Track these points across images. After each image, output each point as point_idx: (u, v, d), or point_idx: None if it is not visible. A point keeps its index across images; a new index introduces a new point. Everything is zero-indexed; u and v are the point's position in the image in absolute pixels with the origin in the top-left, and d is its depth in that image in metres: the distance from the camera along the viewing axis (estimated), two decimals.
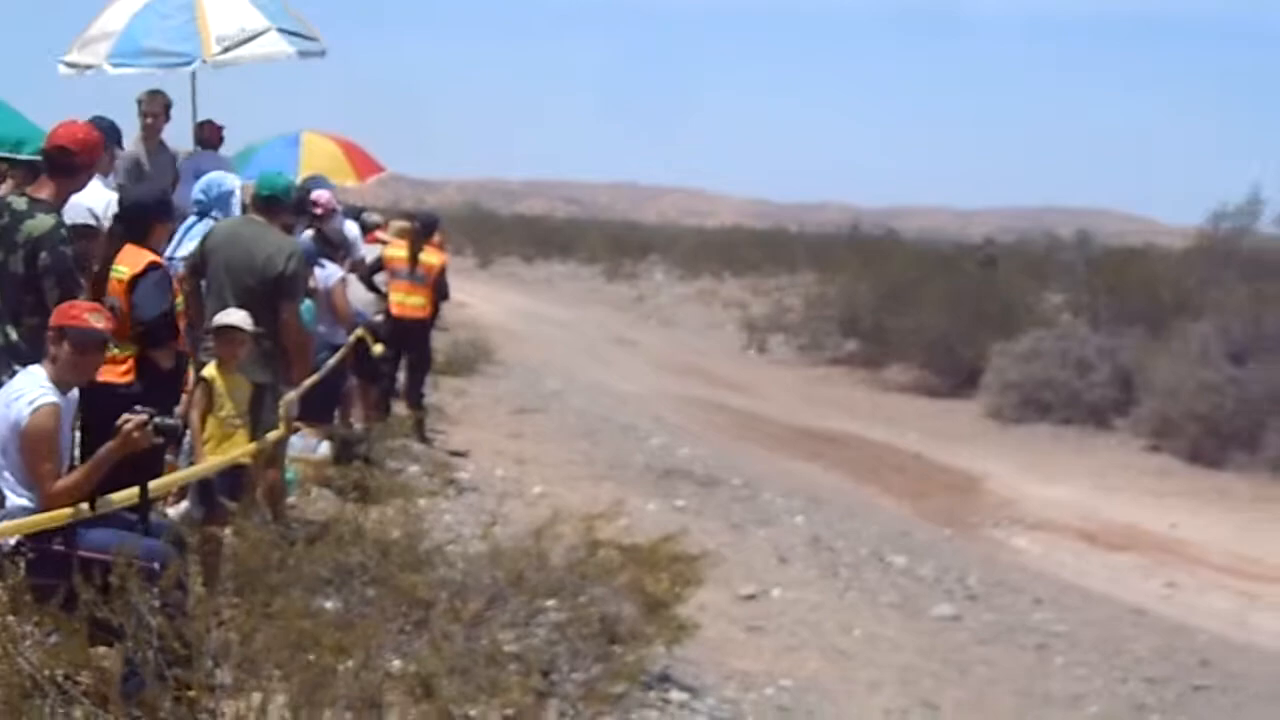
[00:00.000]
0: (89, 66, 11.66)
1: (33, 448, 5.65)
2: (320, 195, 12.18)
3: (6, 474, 5.75)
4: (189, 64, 11.59)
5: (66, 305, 6.17)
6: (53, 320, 5.96)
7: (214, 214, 9.55)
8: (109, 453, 5.77)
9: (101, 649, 5.19)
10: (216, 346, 8.15)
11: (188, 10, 11.65)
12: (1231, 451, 19.81)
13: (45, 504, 5.69)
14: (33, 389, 5.73)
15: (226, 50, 11.51)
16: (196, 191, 10.19)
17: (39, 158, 7.05)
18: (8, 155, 7.36)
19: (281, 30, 11.91)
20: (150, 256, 7.89)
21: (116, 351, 7.70)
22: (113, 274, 7.62)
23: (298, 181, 12.42)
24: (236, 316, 8.16)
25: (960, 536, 14.96)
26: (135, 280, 7.61)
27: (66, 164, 7.07)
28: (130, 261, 7.69)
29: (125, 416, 5.86)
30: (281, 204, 9.17)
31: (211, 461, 7.38)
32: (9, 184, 7.29)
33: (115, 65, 11.52)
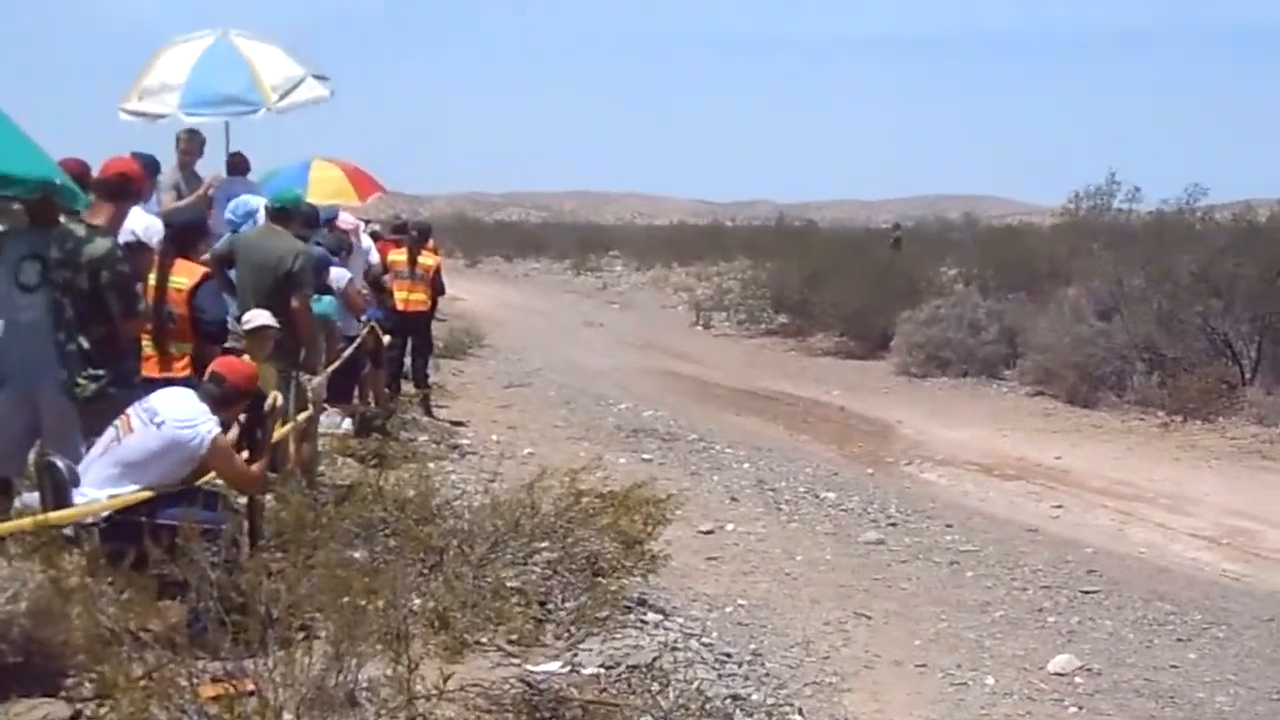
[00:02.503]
0: (160, 115, 11.69)
1: (228, 459, 6.23)
2: (344, 220, 12.89)
3: (121, 469, 5.87)
4: (255, 112, 11.70)
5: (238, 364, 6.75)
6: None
7: (243, 228, 9.88)
8: (270, 432, 6.70)
9: (168, 602, 5.17)
10: (249, 344, 8.19)
11: (241, 64, 11.76)
12: (1103, 393, 19.92)
13: (251, 488, 6.48)
14: (205, 418, 6.11)
15: (282, 98, 11.64)
16: (228, 212, 10.38)
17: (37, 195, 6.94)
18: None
19: (315, 76, 12.04)
20: (203, 269, 8.00)
21: (175, 350, 7.75)
22: (171, 285, 7.69)
23: (311, 200, 12.55)
24: (264, 317, 8.25)
25: (880, 474, 15.00)
26: (195, 289, 7.72)
27: (125, 191, 7.12)
28: (186, 273, 7.80)
29: (273, 398, 6.87)
30: (291, 214, 9.48)
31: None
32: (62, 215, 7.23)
33: (189, 114, 11.59)
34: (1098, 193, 27.12)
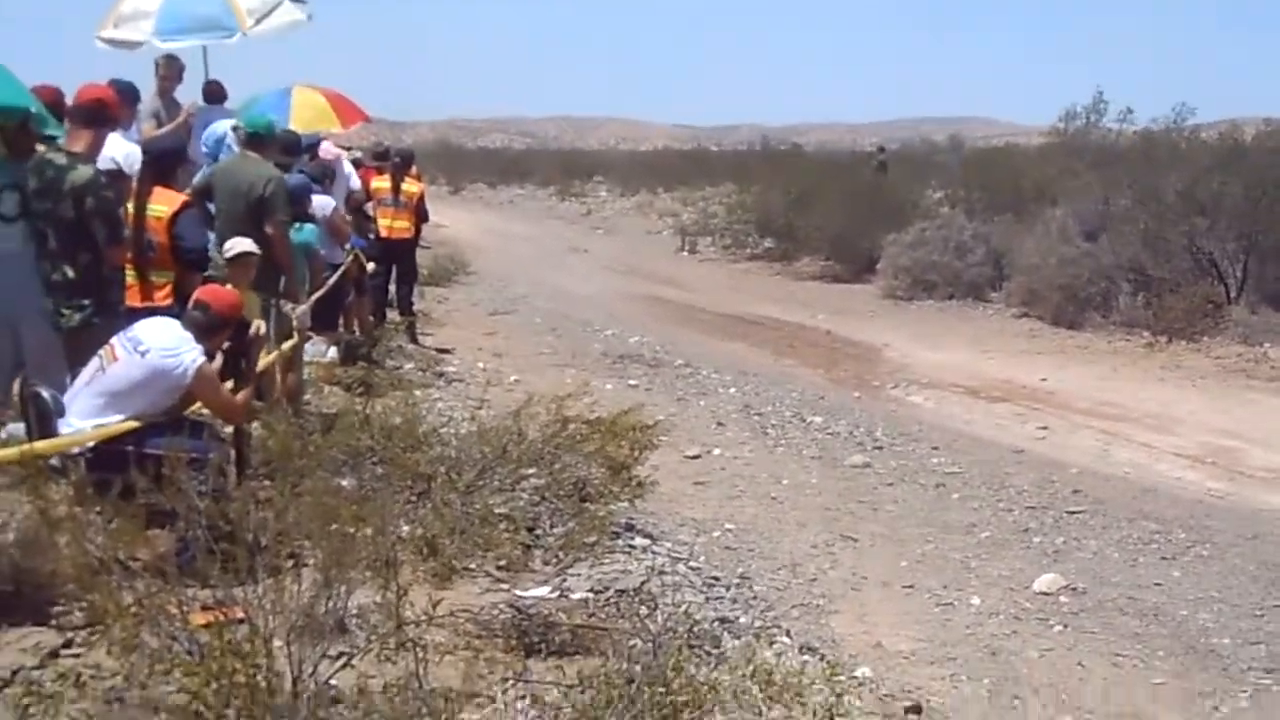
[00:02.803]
0: (138, 43, 11.60)
1: (213, 388, 6.20)
2: (326, 150, 12.81)
3: (107, 398, 5.86)
4: (230, 37, 11.63)
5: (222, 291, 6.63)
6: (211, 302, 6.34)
7: (220, 156, 9.87)
8: (253, 361, 6.73)
9: (156, 531, 5.18)
10: (231, 271, 8.15)
11: None
12: (1089, 314, 19.96)
13: (237, 418, 6.46)
14: (189, 346, 6.06)
15: (258, 22, 11.55)
16: (201, 143, 10.35)
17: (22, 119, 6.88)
18: None
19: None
20: (183, 196, 7.99)
21: (156, 278, 7.72)
22: (149, 213, 7.64)
23: (292, 127, 12.47)
24: (245, 244, 8.21)
25: (866, 397, 15.03)
26: (175, 216, 7.69)
27: (102, 117, 7.07)
28: (165, 201, 7.76)
29: (256, 325, 6.85)
30: (264, 140, 9.48)
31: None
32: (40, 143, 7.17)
33: (164, 40, 11.53)
34: (1085, 112, 27.02)
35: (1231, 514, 10.46)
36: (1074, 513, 10.21)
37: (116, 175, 7.61)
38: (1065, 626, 7.89)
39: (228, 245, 8.35)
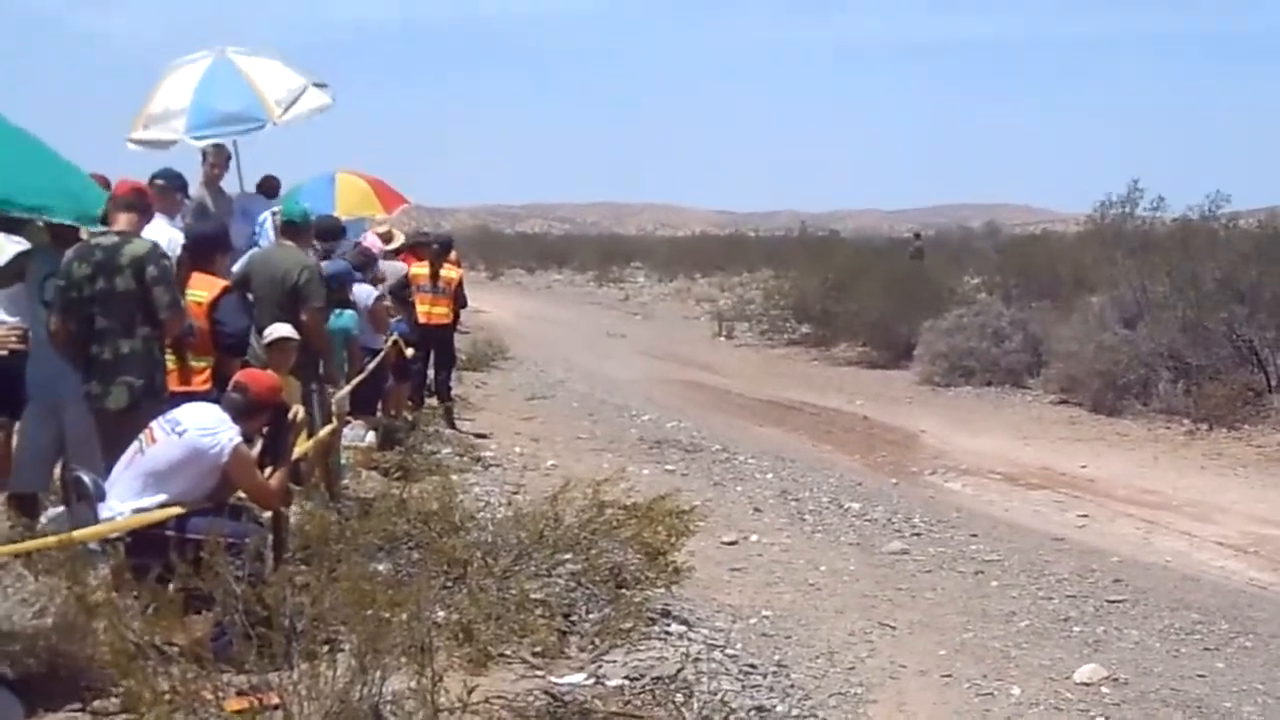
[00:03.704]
0: (170, 142, 11.74)
1: (247, 470, 6.18)
2: (370, 243, 13.04)
3: (145, 480, 5.90)
4: (261, 128, 11.76)
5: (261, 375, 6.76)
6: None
7: (259, 243, 10.06)
8: (290, 446, 6.63)
9: (193, 616, 5.19)
10: (271, 356, 8.23)
11: (240, 81, 11.80)
12: (1128, 401, 19.81)
13: (272, 502, 6.41)
14: (226, 426, 6.12)
15: (286, 110, 11.69)
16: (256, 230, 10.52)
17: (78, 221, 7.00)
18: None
19: (315, 84, 12.06)
20: (222, 282, 8.05)
21: (195, 363, 7.79)
22: (189, 297, 7.69)
23: (336, 212, 12.71)
24: (284, 329, 8.30)
25: (904, 484, 14.96)
26: (215, 301, 7.76)
27: (140, 204, 7.17)
28: (205, 286, 7.82)
29: (295, 410, 6.81)
30: (299, 228, 9.61)
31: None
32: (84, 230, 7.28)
33: (196, 137, 11.64)
34: (1121, 201, 27.02)
35: (1275, 604, 10.30)
36: (1115, 601, 10.08)
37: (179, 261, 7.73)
38: (1107, 718, 7.76)
39: (267, 331, 8.45)
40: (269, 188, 12.53)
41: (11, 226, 7.58)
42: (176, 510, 5.85)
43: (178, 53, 12.47)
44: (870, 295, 28.08)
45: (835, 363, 27.68)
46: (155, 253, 6.89)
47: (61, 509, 6.76)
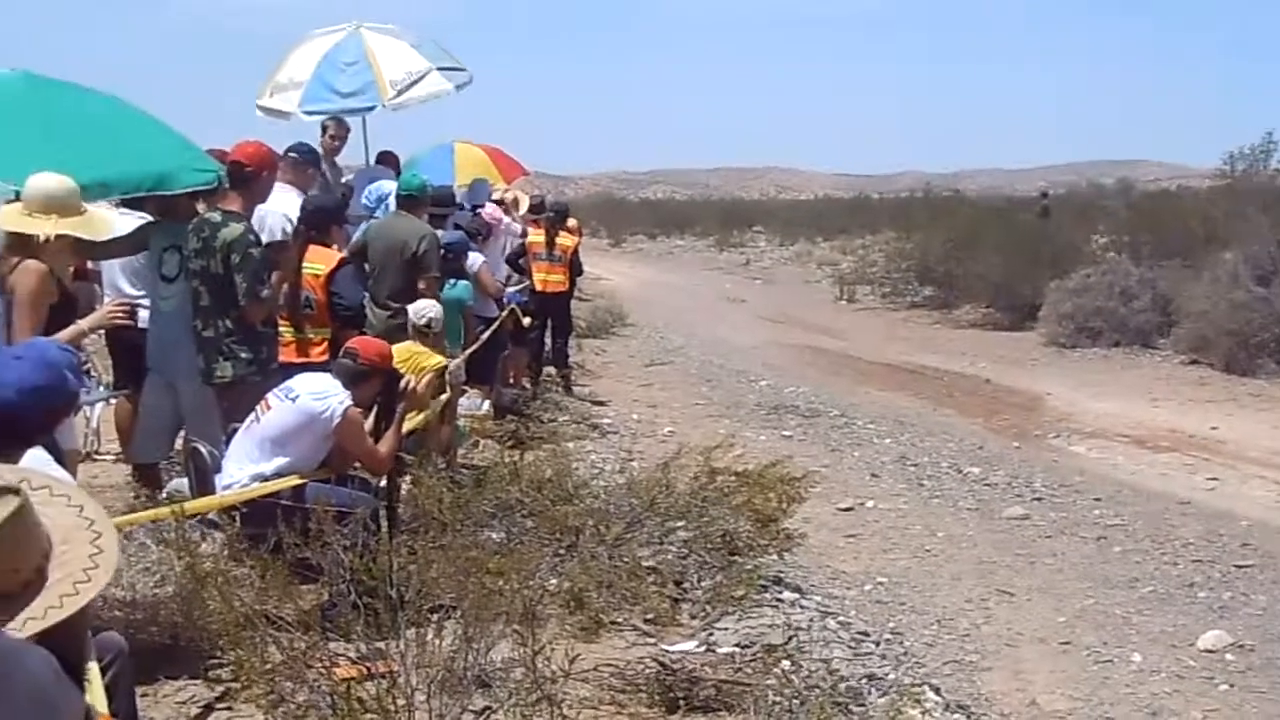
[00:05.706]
0: (286, 113, 11.98)
1: (357, 433, 6.28)
2: (490, 212, 13.26)
3: (260, 447, 6.02)
4: (371, 109, 11.96)
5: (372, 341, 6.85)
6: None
7: (376, 214, 10.23)
8: (403, 413, 6.76)
9: (305, 586, 5.30)
10: (419, 339, 8.45)
11: (363, 59, 12.01)
12: (1261, 360, 19.27)
13: (382, 467, 6.55)
14: (337, 390, 6.24)
15: (399, 94, 11.86)
16: (364, 197, 10.67)
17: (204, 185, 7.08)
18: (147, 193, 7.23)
19: (441, 69, 12.20)
20: (339, 254, 8.17)
21: (313, 335, 7.94)
22: (307, 270, 7.83)
23: (456, 184, 12.89)
24: (434, 311, 8.51)
25: (1026, 448, 14.71)
26: (332, 274, 7.89)
27: (243, 176, 7.11)
28: (322, 259, 7.96)
29: (408, 378, 6.93)
30: (417, 200, 9.80)
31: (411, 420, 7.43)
32: (203, 204, 7.38)
33: (308, 113, 11.87)
34: (1253, 153, 26.25)
35: None
36: (1242, 566, 9.84)
37: (278, 246, 7.82)
38: (1231, 686, 7.59)
39: (418, 310, 8.59)
40: (389, 162, 12.67)
41: (136, 203, 7.76)
42: (294, 480, 5.96)
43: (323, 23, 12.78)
44: (994, 256, 27.60)
45: (958, 325, 27.31)
46: (243, 240, 6.93)
47: (183, 480, 6.93)
